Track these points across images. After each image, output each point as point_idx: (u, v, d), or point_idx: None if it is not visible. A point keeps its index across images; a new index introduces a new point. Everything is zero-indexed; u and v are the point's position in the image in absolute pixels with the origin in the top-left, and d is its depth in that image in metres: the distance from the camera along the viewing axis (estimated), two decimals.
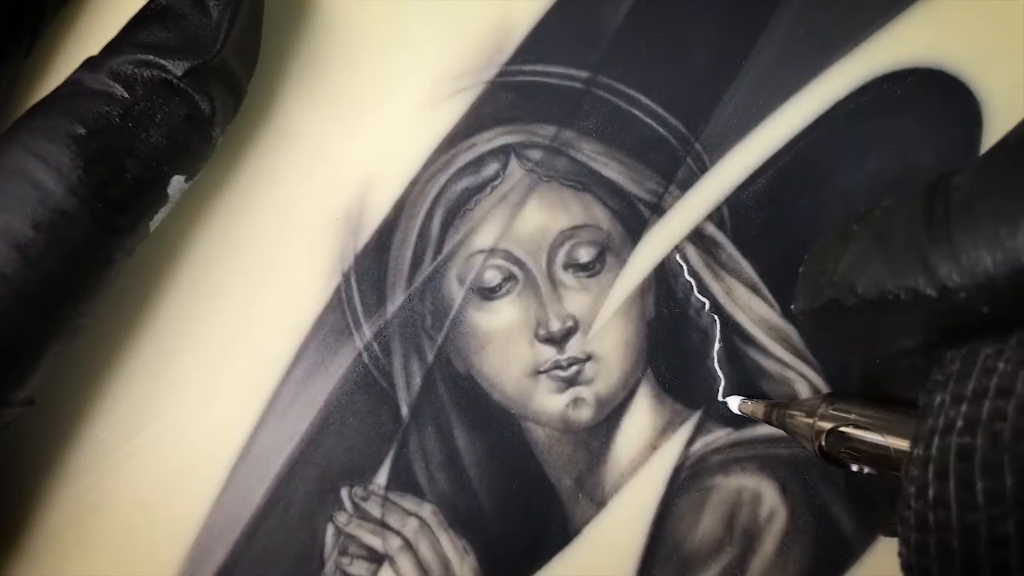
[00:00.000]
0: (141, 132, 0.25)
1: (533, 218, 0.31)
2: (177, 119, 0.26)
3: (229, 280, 0.31)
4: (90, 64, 0.26)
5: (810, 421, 0.25)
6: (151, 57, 0.25)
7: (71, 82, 0.25)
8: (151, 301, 0.31)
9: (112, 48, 0.26)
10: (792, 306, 0.27)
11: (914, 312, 0.17)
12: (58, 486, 0.31)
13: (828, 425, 0.24)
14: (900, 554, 0.17)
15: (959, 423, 0.16)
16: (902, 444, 0.22)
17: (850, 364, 0.30)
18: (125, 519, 0.31)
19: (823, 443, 0.24)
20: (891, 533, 0.28)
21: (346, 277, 0.31)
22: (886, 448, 0.22)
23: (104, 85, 0.25)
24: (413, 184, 0.31)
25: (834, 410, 0.24)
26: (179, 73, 0.25)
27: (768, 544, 0.31)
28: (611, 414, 0.31)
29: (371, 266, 0.31)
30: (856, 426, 0.23)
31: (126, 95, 0.25)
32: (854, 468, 0.24)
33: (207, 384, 0.31)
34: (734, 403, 0.30)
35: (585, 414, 0.31)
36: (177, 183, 0.27)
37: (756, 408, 0.29)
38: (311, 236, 0.31)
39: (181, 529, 0.31)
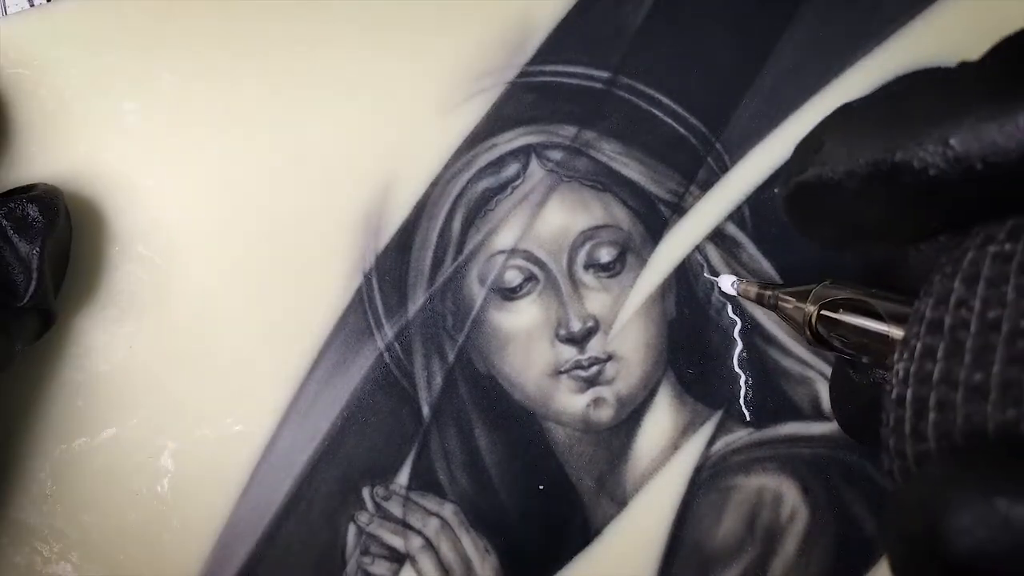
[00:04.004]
0: None
1: (554, 218, 0.31)
2: None
3: (252, 281, 0.31)
4: None
5: (803, 304, 0.23)
6: None
7: None
8: (175, 303, 0.31)
9: None
10: (775, 189, 0.25)
11: (914, 188, 0.16)
12: (84, 486, 0.31)
13: (819, 303, 0.22)
14: (896, 372, 0.16)
15: (996, 247, 0.15)
16: (897, 328, 0.20)
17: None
18: (149, 517, 0.31)
19: (814, 323, 0.22)
20: (857, 435, 0.26)
21: (367, 278, 0.31)
22: (883, 334, 0.20)
23: None
24: (434, 185, 0.31)
25: (829, 288, 0.23)
26: None
27: (789, 544, 0.30)
28: (632, 414, 0.31)
29: (392, 266, 0.31)
30: (851, 308, 0.21)
31: None
32: (846, 355, 0.22)
33: (230, 384, 0.31)
34: (726, 281, 0.29)
35: (606, 414, 0.31)
36: None
37: (749, 288, 0.27)
38: (333, 237, 0.31)
39: (204, 528, 0.31)
